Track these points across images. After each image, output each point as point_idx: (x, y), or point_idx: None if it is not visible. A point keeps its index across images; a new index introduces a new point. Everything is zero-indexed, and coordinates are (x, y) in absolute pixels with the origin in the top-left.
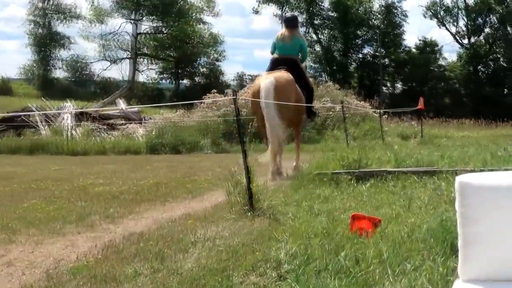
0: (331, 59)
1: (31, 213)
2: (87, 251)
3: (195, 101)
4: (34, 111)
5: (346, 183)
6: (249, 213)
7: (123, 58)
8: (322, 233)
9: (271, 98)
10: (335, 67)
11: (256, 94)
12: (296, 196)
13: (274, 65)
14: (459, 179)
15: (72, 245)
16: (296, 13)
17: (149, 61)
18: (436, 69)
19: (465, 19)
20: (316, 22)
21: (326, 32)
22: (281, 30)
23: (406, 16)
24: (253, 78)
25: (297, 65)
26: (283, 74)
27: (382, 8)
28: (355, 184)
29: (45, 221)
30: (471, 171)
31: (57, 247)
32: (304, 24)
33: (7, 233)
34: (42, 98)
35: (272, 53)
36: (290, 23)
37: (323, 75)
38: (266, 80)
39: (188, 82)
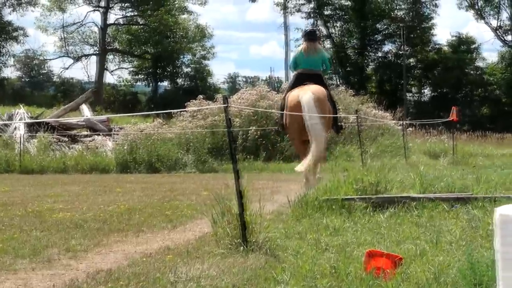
0: (344, 58)
1: None
2: None
3: (177, 110)
4: None
5: (361, 212)
6: (242, 248)
7: (88, 55)
8: (330, 273)
9: (313, 112)
10: (349, 68)
11: (294, 108)
12: (299, 227)
13: (300, 81)
14: (500, 210)
15: (25, 285)
16: (302, 2)
17: (121, 59)
18: (472, 72)
19: (509, 11)
20: (326, 12)
21: (338, 25)
22: (302, 44)
23: (436, 6)
24: (247, 80)
25: (322, 80)
26: (319, 89)
27: None
28: (372, 213)
29: None
30: None
31: (7, 287)
32: (312, 15)
33: None
34: None
35: (294, 68)
36: (311, 36)
37: (335, 78)
38: (306, 95)
39: (169, 85)
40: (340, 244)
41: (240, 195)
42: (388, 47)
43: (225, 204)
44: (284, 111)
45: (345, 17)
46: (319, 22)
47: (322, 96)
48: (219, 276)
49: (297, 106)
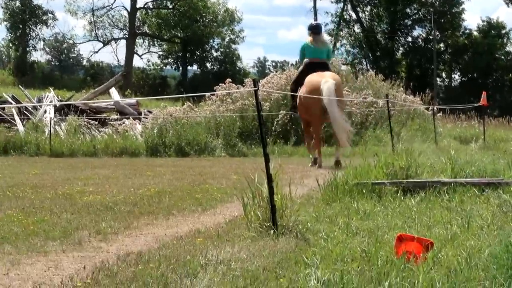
0: (374, 43)
1: (5, 226)
2: (73, 273)
3: (206, 93)
4: (8, 102)
5: (391, 196)
6: (272, 231)
7: (118, 39)
8: (361, 257)
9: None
10: (378, 53)
11: (315, 93)
12: (329, 211)
13: (311, 68)
14: None
15: (55, 267)
16: None
17: (150, 42)
18: (502, 57)
19: None
20: None
21: (368, 9)
22: (308, 37)
23: None
24: (277, 65)
25: (329, 68)
26: (336, 76)
27: None
28: (402, 198)
29: (22, 237)
30: None
31: (38, 269)
32: None
33: None
34: (19, 86)
35: (302, 57)
36: (317, 29)
37: (364, 63)
38: (328, 82)
39: (198, 69)
40: (370, 228)
41: (269, 178)
42: (417, 31)
43: (256, 188)
44: (298, 94)
45: (375, 1)
46: (348, 7)
47: (339, 83)
48: (250, 259)
49: (317, 90)
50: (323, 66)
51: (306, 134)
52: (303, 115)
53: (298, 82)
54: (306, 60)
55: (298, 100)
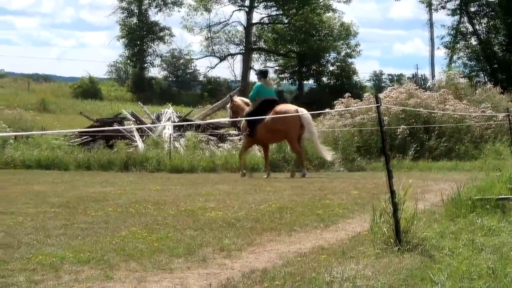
0: (491, 55)
1: (130, 243)
2: None
3: (326, 110)
4: (128, 119)
5: None
6: (396, 248)
7: (234, 54)
8: (487, 274)
9: (312, 122)
10: (496, 65)
11: (293, 117)
12: (453, 227)
13: (267, 104)
14: None
15: (181, 284)
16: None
17: (266, 57)
18: None
19: None
20: (471, 9)
21: (484, 21)
22: (260, 81)
23: None
24: (393, 79)
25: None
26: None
27: None
28: None
29: (147, 254)
30: None
31: (164, 286)
32: (458, 12)
33: (103, 268)
34: (138, 102)
35: (255, 96)
36: (266, 74)
37: (482, 75)
38: (304, 112)
39: (314, 83)
40: (496, 244)
41: (392, 194)
42: None
43: (385, 203)
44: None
45: (492, 13)
46: (464, 19)
47: None
48: (375, 276)
49: (296, 117)
50: (275, 102)
51: (244, 152)
52: (266, 139)
53: (253, 114)
54: (262, 98)
55: (262, 127)
